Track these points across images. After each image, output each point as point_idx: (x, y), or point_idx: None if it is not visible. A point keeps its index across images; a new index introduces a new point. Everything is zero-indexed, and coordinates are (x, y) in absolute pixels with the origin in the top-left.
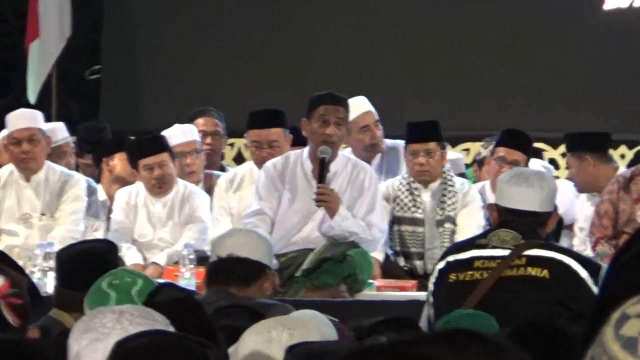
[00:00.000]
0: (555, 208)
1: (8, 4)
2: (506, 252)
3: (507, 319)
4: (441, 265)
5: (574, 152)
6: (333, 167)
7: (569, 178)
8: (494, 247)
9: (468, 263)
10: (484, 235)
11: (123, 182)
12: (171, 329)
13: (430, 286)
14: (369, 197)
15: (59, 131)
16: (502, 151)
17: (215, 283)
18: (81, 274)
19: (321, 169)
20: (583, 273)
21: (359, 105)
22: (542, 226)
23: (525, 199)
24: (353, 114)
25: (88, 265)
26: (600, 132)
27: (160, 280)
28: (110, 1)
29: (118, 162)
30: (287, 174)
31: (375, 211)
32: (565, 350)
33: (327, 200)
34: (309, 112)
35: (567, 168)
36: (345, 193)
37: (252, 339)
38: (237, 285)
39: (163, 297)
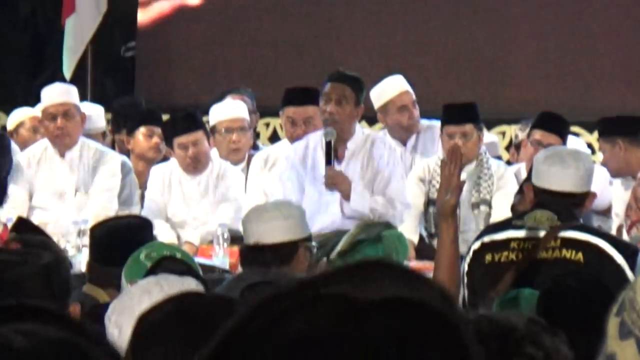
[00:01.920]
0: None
1: None
2: (542, 233)
3: (571, 308)
4: (476, 245)
5: (605, 137)
6: (351, 145)
7: (603, 163)
8: (530, 229)
9: (504, 244)
10: (520, 216)
11: (146, 159)
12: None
13: (465, 267)
14: (388, 170)
15: (94, 119)
16: (538, 134)
17: (250, 265)
18: (114, 249)
19: (328, 151)
20: (618, 258)
21: (397, 85)
22: (579, 206)
23: (560, 180)
24: (391, 94)
25: (121, 240)
26: (632, 116)
27: (194, 259)
28: None
29: (137, 140)
30: (308, 157)
31: (394, 183)
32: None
33: (337, 183)
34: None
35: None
36: (367, 169)
37: None
38: (274, 267)
39: (163, 269)
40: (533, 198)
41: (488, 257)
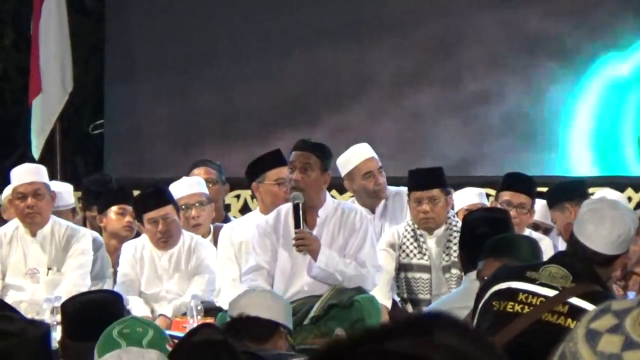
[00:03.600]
0: (627, 250)
1: (12, 62)
2: (552, 292)
3: None
4: (490, 291)
5: (554, 205)
6: (322, 212)
7: (558, 232)
8: (541, 285)
9: (512, 294)
10: (536, 267)
11: (118, 237)
12: None
13: (478, 308)
14: (360, 235)
15: (64, 196)
16: (507, 195)
17: (230, 339)
18: (86, 325)
19: (296, 214)
20: None
21: (362, 152)
22: (603, 266)
23: (592, 239)
24: (356, 161)
25: (92, 316)
26: (575, 179)
27: (169, 332)
28: (111, 55)
29: (110, 219)
30: (279, 226)
31: (365, 248)
32: None
33: (306, 244)
34: None
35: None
36: (339, 236)
37: None
38: (250, 342)
39: (201, 336)
40: (568, 240)
41: (495, 304)
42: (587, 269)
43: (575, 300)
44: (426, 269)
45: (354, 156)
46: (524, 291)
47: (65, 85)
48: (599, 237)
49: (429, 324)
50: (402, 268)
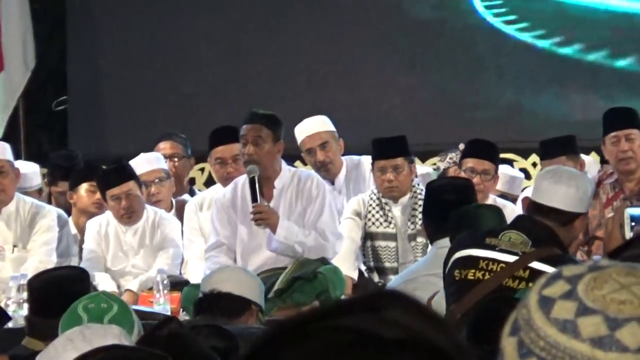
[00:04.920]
0: (586, 212)
1: None
2: (512, 259)
3: (497, 331)
4: (451, 260)
5: (548, 159)
6: (278, 183)
7: None
8: (501, 251)
9: (472, 261)
10: (495, 233)
11: (88, 214)
12: (126, 342)
13: (445, 276)
14: (317, 204)
15: (30, 177)
16: (470, 162)
17: (202, 315)
18: (52, 301)
19: (252, 188)
20: None
21: (305, 129)
22: (564, 226)
23: (550, 195)
24: (300, 137)
25: (58, 292)
26: (569, 135)
27: (136, 307)
28: (73, 31)
29: (80, 195)
30: (237, 199)
31: (324, 216)
32: None
33: (264, 218)
34: None
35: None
36: (297, 205)
37: None
38: (221, 318)
39: (166, 330)
40: (526, 210)
41: (456, 273)
42: (546, 233)
43: (536, 265)
44: (392, 237)
45: (299, 133)
46: (484, 258)
47: (28, 62)
48: (556, 192)
49: (377, 300)
50: (367, 237)
